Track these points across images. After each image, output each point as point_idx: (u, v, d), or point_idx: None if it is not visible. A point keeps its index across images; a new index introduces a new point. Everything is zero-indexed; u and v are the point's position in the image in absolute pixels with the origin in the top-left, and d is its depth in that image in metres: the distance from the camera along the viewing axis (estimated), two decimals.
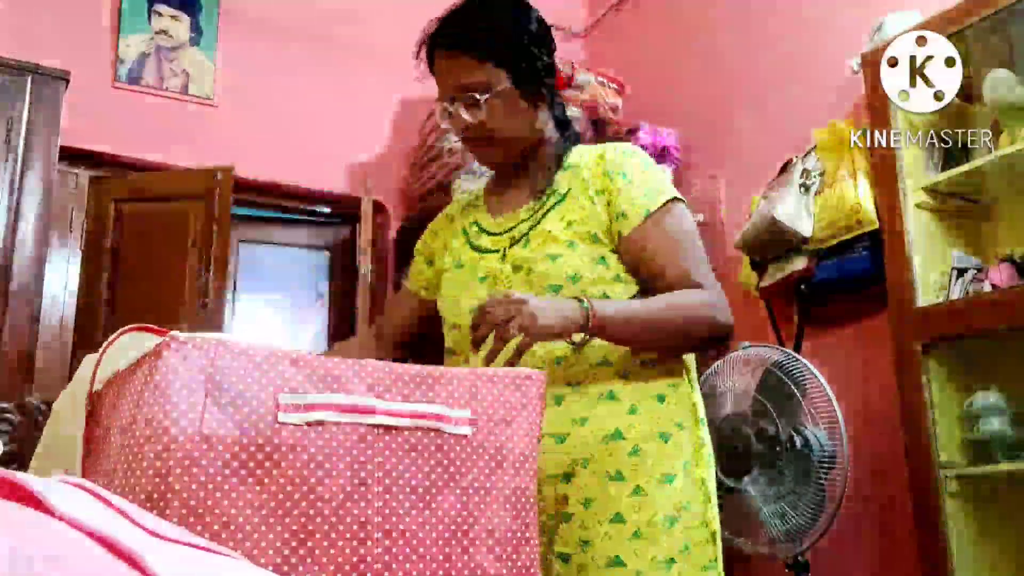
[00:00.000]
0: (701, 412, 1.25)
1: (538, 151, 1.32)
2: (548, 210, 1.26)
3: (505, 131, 1.26)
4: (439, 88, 1.29)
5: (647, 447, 1.16)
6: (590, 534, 1.12)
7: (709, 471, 1.22)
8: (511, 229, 1.29)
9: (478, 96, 1.22)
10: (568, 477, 1.15)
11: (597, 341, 1.15)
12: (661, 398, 1.20)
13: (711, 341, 1.22)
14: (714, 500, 1.21)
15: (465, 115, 1.24)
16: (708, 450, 1.24)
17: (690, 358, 1.27)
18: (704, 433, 1.24)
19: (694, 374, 1.27)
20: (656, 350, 1.20)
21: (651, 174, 1.27)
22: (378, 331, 1.48)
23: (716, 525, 1.20)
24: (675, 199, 1.25)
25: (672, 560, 1.11)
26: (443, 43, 1.25)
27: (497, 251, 1.27)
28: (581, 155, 1.31)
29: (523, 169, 1.32)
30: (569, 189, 1.26)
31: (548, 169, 1.31)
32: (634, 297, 1.21)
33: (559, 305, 1.09)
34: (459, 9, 1.27)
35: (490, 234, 1.32)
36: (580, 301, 1.10)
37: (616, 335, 1.14)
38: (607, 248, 1.22)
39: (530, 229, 1.25)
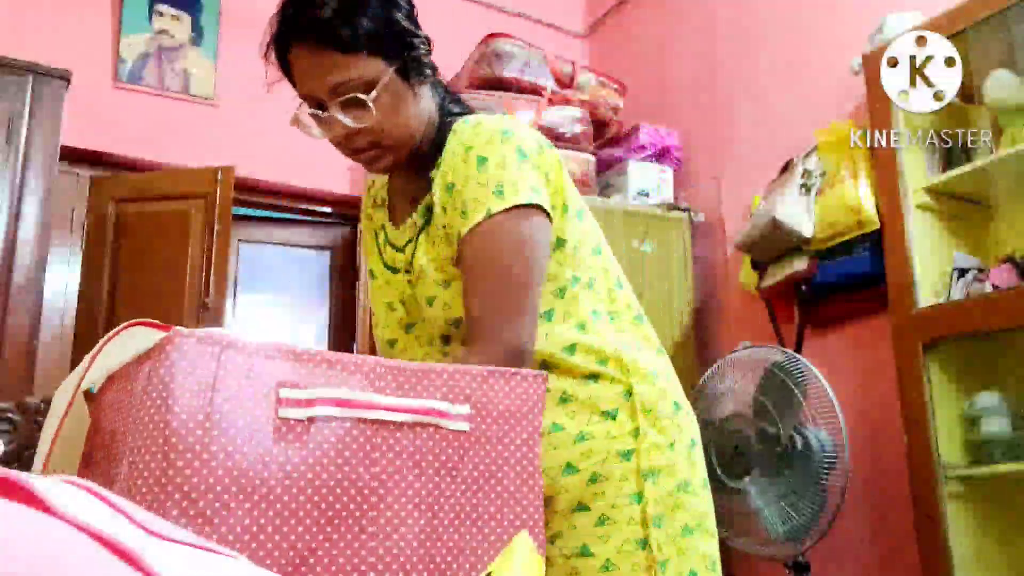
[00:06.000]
0: (668, 406, 1.08)
1: (420, 141, 1.10)
2: (419, 234, 1.09)
3: (397, 129, 1.05)
4: (301, 91, 1.05)
5: (605, 470, 1.02)
6: (556, 572, 1.01)
7: (695, 469, 1.08)
8: (404, 248, 1.13)
9: (362, 96, 1.00)
10: None
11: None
12: (612, 414, 1.04)
13: None
14: (703, 495, 1.07)
15: (347, 120, 1.02)
16: (681, 445, 1.07)
17: (634, 359, 1.08)
18: (680, 427, 1.08)
19: (646, 371, 1.08)
20: None
21: (487, 176, 1.01)
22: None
23: (709, 523, 1.07)
24: (511, 208, 0.99)
25: None
26: (301, 39, 1.01)
27: (399, 271, 1.14)
28: (452, 144, 1.07)
29: (410, 162, 1.11)
30: (436, 202, 1.06)
31: (426, 165, 1.10)
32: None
33: None
34: None
35: (393, 247, 1.16)
36: None
37: None
38: None
39: (412, 257, 1.09)
